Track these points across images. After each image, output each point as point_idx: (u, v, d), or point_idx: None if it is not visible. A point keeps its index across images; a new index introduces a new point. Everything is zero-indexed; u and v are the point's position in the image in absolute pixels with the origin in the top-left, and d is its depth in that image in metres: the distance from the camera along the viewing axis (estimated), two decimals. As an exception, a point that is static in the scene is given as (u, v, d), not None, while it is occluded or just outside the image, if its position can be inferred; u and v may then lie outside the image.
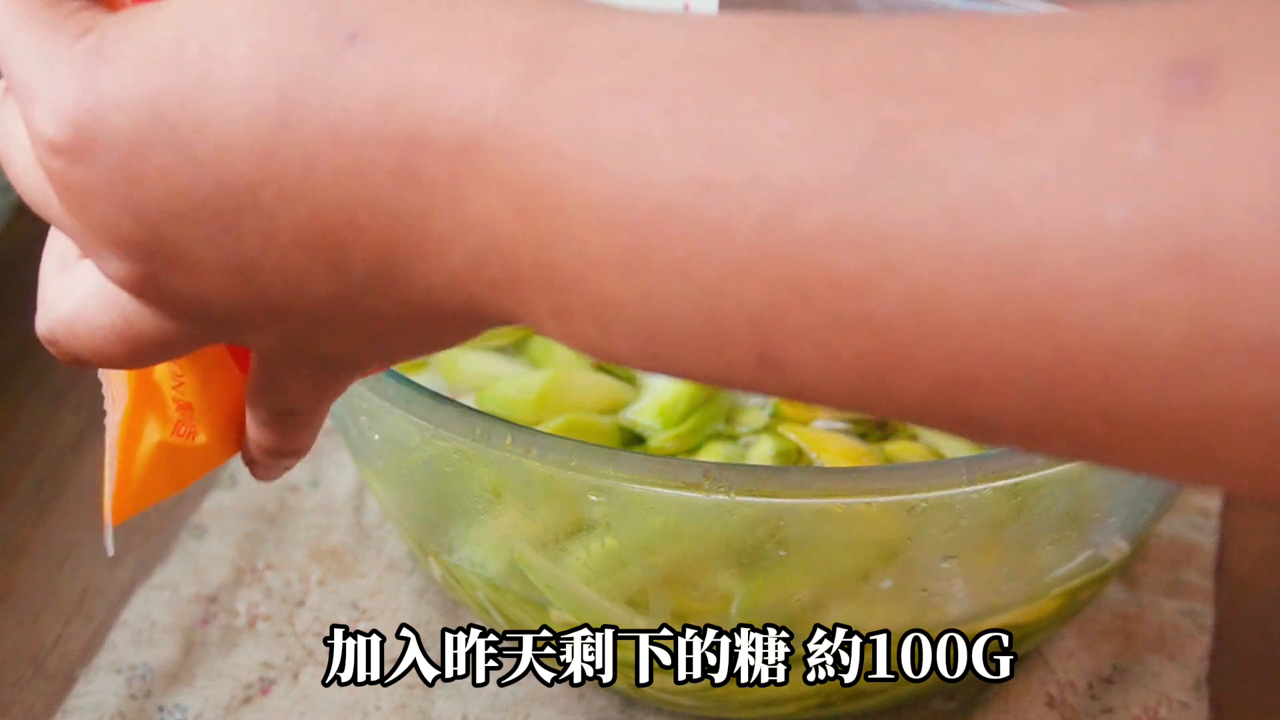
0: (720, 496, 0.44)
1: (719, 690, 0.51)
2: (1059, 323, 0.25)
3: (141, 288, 0.34)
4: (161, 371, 0.41)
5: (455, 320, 0.33)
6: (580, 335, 0.30)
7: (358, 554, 0.62)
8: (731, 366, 0.29)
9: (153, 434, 0.41)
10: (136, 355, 0.36)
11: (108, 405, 0.42)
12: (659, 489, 0.44)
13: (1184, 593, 0.60)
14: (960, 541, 0.47)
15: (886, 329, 0.26)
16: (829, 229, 0.26)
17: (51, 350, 0.38)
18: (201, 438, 0.40)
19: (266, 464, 0.41)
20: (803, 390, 0.28)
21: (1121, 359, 0.25)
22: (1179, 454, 0.25)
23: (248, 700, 0.56)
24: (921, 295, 0.26)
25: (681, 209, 0.27)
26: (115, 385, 0.41)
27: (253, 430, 0.40)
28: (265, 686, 0.56)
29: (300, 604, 0.60)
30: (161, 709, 0.55)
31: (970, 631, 0.50)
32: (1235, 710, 0.57)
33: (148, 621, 0.58)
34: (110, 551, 0.41)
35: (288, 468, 0.42)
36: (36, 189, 0.36)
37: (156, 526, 0.63)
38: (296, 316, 0.34)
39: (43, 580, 0.61)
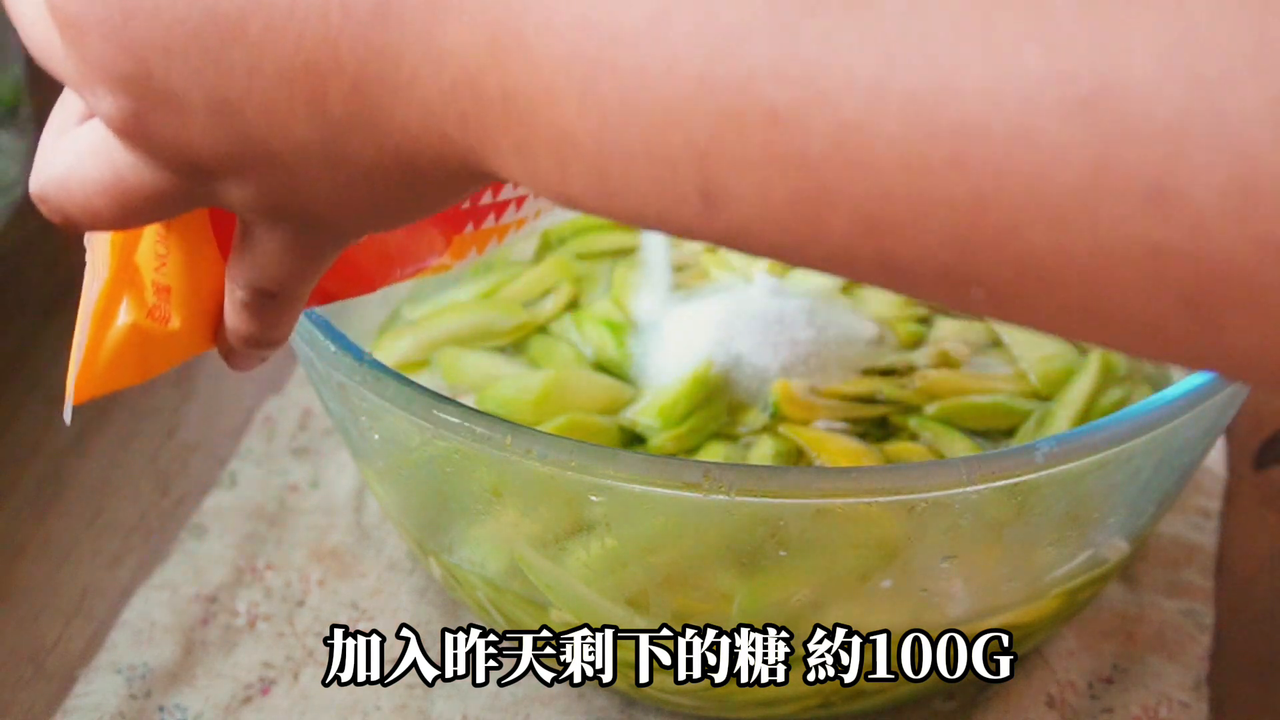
0: (720, 496, 0.44)
1: (719, 690, 0.51)
2: (973, 162, 0.26)
3: (131, 128, 0.35)
4: (145, 251, 0.40)
5: (430, 169, 0.34)
6: (542, 175, 0.32)
7: (358, 554, 0.62)
8: (677, 202, 0.30)
9: (126, 315, 0.40)
10: (125, 210, 0.37)
11: (88, 275, 0.41)
12: (659, 489, 0.44)
13: (1184, 593, 0.60)
14: (960, 541, 0.47)
15: (816, 163, 0.27)
16: (769, 63, 0.27)
17: (42, 208, 0.39)
18: (175, 323, 0.40)
19: (243, 354, 0.41)
20: (741, 232, 0.29)
21: (1027, 199, 0.26)
22: (1078, 304, 0.26)
23: (248, 700, 0.56)
24: (849, 130, 0.27)
25: (635, 40, 0.29)
26: (98, 256, 0.41)
27: (231, 316, 0.40)
28: (265, 686, 0.56)
29: (300, 604, 0.60)
30: (161, 709, 0.55)
31: (970, 631, 0.50)
32: (1235, 710, 0.57)
33: (148, 621, 0.58)
34: (68, 421, 0.40)
35: (263, 359, 0.42)
36: (42, 35, 0.37)
37: (157, 527, 0.63)
38: (277, 161, 0.34)
39: (43, 580, 0.61)
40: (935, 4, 0.26)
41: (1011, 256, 0.26)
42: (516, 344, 0.62)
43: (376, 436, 0.51)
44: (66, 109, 0.39)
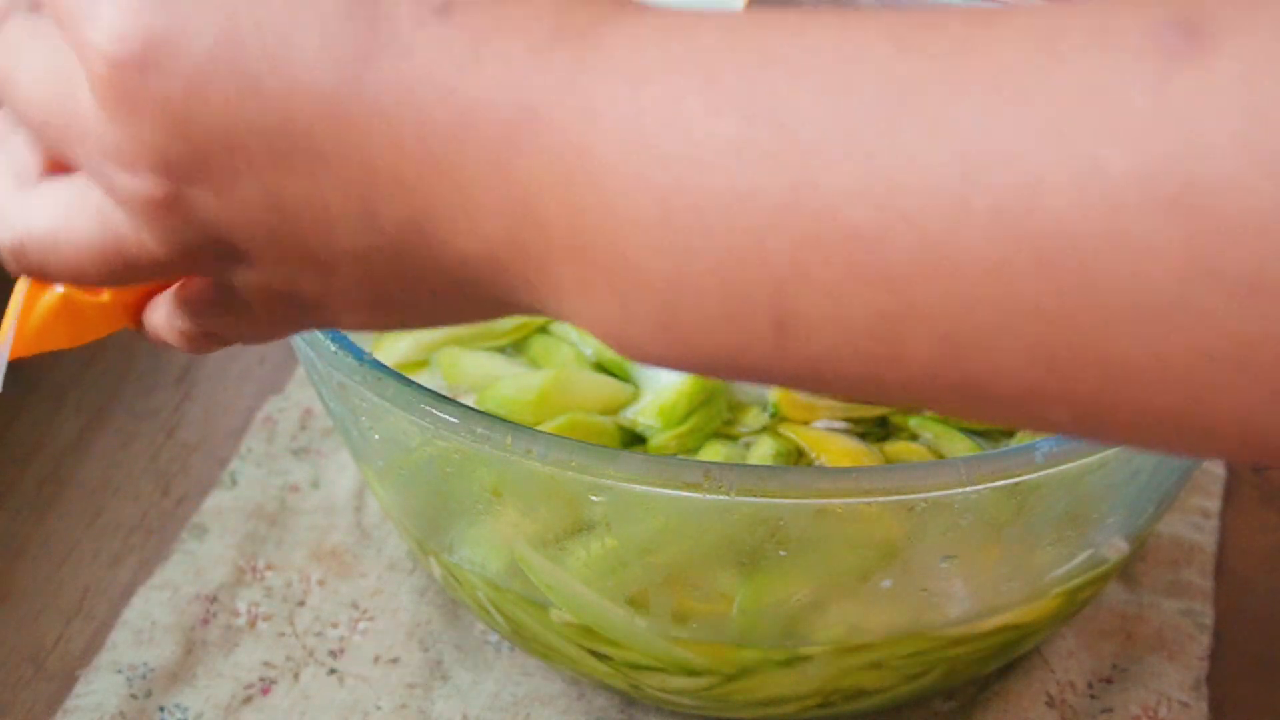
0: (720, 496, 0.44)
1: (719, 690, 0.51)
2: (1060, 267, 0.26)
3: (158, 209, 0.34)
4: None
5: (476, 294, 0.33)
6: (602, 315, 0.31)
7: (358, 554, 0.62)
8: (749, 338, 0.30)
9: (60, 287, 0.40)
10: (117, 275, 0.36)
11: None
12: (659, 489, 0.44)
13: (1184, 593, 0.60)
14: (960, 541, 0.47)
15: (899, 281, 0.28)
16: (850, 184, 0.28)
17: (10, 262, 0.37)
18: (106, 296, 0.40)
19: (163, 344, 0.40)
20: (816, 364, 0.29)
21: (1118, 299, 0.26)
22: (1171, 411, 0.26)
23: (248, 700, 0.56)
24: (933, 245, 0.27)
25: (715, 169, 0.29)
26: None
27: (166, 325, 0.39)
28: (266, 686, 0.56)
29: (301, 604, 0.60)
30: (162, 709, 0.55)
31: (970, 631, 0.50)
32: (1235, 710, 0.57)
33: (148, 621, 0.58)
34: None
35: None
36: (47, 98, 0.35)
37: (157, 526, 0.63)
38: (313, 260, 0.34)
39: (43, 580, 0.61)
40: (1010, 110, 0.26)
41: (1101, 365, 0.26)
42: (516, 344, 0.62)
43: (377, 436, 0.51)
44: (14, 155, 0.37)
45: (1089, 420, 0.28)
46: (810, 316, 0.29)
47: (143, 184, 0.34)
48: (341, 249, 0.33)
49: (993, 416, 0.29)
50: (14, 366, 0.40)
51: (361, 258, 0.34)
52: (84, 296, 0.40)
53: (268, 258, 0.34)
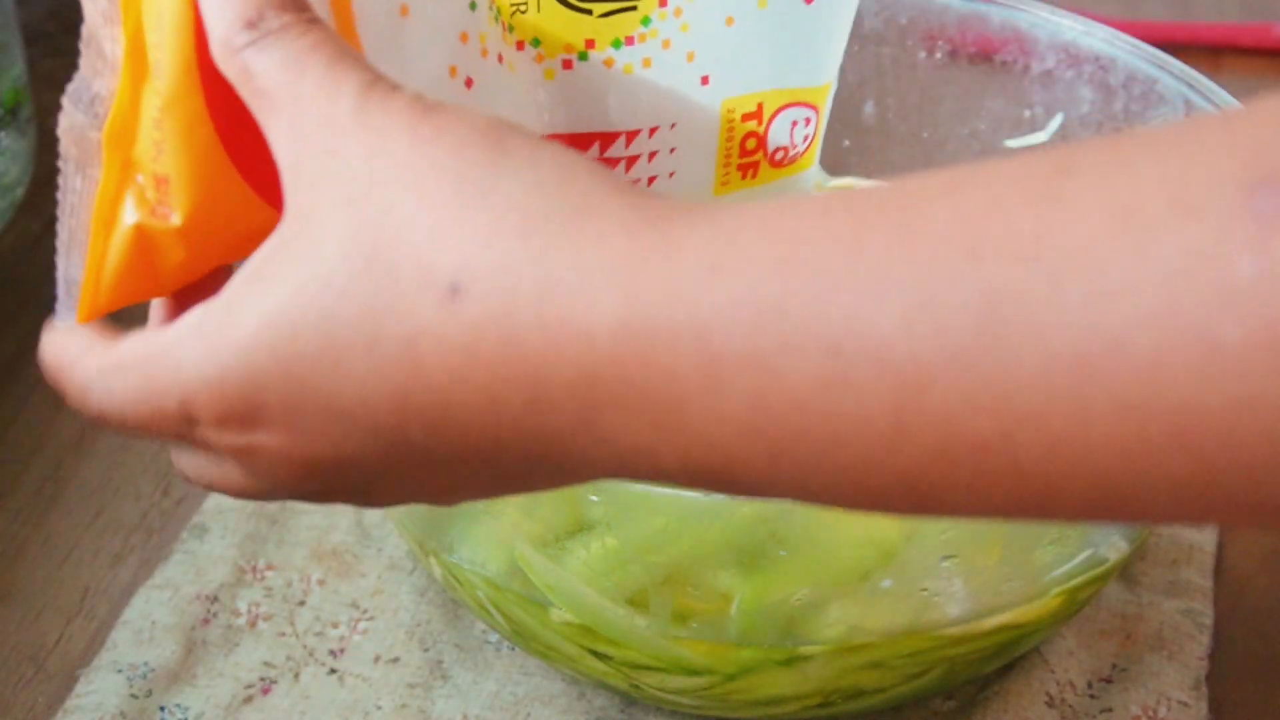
0: (720, 496, 0.44)
1: (719, 690, 0.51)
2: (1195, 440, 0.26)
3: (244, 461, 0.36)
4: (143, 140, 0.37)
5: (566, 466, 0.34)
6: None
7: (358, 554, 0.62)
8: (892, 509, 0.31)
9: (132, 214, 0.37)
10: (147, 436, 0.38)
11: (69, 176, 0.38)
12: (659, 489, 0.44)
13: (1184, 592, 0.60)
14: (960, 541, 0.47)
15: (1033, 473, 0.28)
16: (960, 399, 0.28)
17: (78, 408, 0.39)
18: (177, 219, 0.37)
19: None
20: (964, 517, 0.30)
21: (1260, 460, 0.26)
22: None
23: (249, 700, 0.56)
24: (1058, 440, 0.27)
25: (813, 406, 0.29)
26: (88, 151, 0.38)
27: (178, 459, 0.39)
28: (266, 686, 0.57)
29: (301, 604, 0.60)
30: (162, 708, 0.55)
31: (970, 631, 0.50)
32: (1235, 710, 0.57)
33: (149, 621, 0.58)
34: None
35: None
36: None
37: (158, 526, 0.63)
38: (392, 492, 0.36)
39: (43, 580, 0.61)
40: (1112, 300, 0.26)
41: (1252, 503, 0.27)
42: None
43: (377, 436, 0.51)
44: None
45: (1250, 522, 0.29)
46: (946, 501, 0.29)
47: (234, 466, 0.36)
48: (472, 487, 0.35)
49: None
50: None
51: (492, 486, 0.35)
52: (155, 223, 0.37)
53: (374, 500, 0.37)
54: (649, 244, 0.31)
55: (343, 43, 0.35)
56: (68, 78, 0.39)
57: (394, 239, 0.32)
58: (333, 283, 0.33)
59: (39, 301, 0.75)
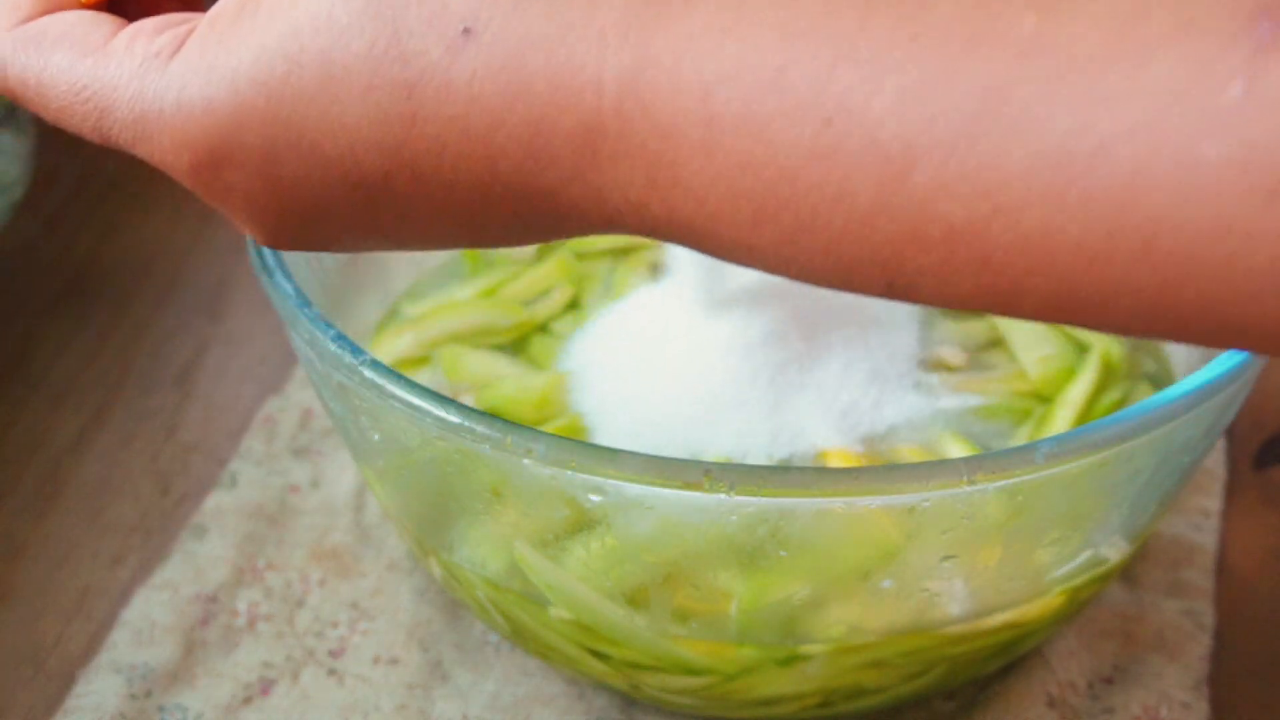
0: (720, 496, 0.44)
1: (719, 689, 0.51)
2: (1162, 253, 0.27)
3: (209, 183, 0.35)
4: None
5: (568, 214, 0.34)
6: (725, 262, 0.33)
7: (358, 554, 0.62)
8: (864, 289, 0.31)
9: None
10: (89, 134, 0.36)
11: None
12: (659, 488, 0.44)
13: (1184, 593, 0.60)
14: (960, 541, 0.47)
15: (1000, 266, 0.29)
16: (941, 184, 0.28)
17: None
18: None
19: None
20: (931, 304, 0.31)
21: (1219, 282, 0.27)
22: (1269, 349, 0.28)
23: (248, 700, 0.56)
24: (1030, 236, 0.28)
25: (802, 176, 0.29)
26: None
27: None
28: (265, 686, 0.56)
29: (300, 604, 0.60)
30: (161, 709, 0.55)
31: (971, 630, 0.50)
32: (1236, 710, 0.57)
33: (148, 621, 0.58)
34: None
35: None
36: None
37: (157, 527, 0.63)
38: (381, 235, 0.35)
39: (43, 580, 0.61)
40: (1101, 104, 0.27)
41: (1201, 329, 0.28)
42: (515, 342, 0.62)
43: (376, 436, 0.51)
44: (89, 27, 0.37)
45: (1194, 340, 0.29)
46: (918, 286, 0.30)
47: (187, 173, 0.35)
48: (452, 242, 0.35)
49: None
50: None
51: (456, 239, 0.35)
52: None
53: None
54: (664, 1, 0.31)
55: None
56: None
57: None
58: (334, 20, 0.32)
59: (38, 300, 0.75)
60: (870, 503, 0.45)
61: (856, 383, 0.55)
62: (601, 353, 0.58)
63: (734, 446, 0.55)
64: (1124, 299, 0.28)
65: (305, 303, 0.50)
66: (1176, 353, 0.60)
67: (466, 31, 0.31)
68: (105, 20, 0.37)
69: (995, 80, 0.28)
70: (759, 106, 0.30)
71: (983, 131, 0.28)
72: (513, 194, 0.33)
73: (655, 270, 0.63)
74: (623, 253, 0.65)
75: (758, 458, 0.55)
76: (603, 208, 0.32)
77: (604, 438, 0.55)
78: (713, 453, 0.54)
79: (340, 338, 0.48)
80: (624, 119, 0.31)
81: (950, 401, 0.57)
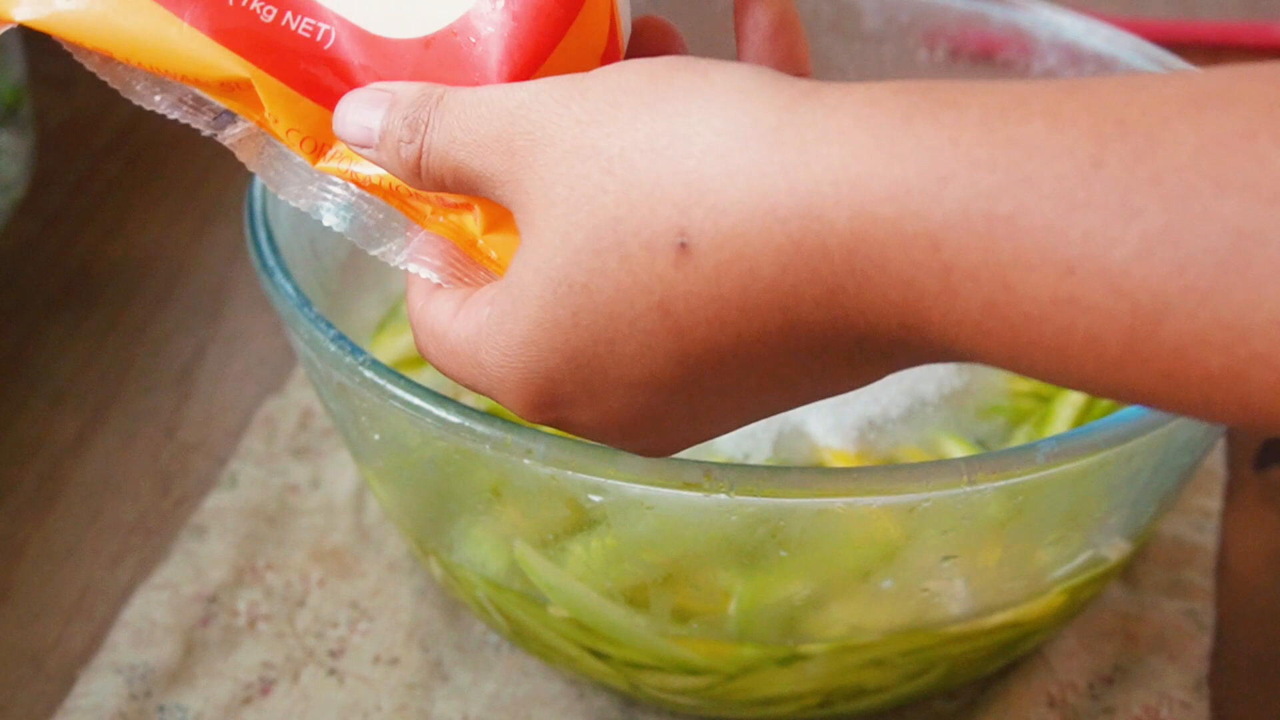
0: (720, 496, 0.44)
1: (719, 689, 0.51)
2: None
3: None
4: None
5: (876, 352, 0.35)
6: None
7: (358, 554, 0.62)
8: (1119, 403, 0.33)
9: None
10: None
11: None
12: (658, 489, 0.44)
13: (1185, 593, 0.60)
14: (961, 541, 0.47)
15: (1259, 407, 0.28)
16: (1194, 333, 0.28)
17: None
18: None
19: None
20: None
21: None
22: None
23: (248, 700, 0.56)
24: None
25: (1046, 321, 0.29)
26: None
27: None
28: (265, 686, 0.56)
29: (300, 604, 0.60)
30: (161, 709, 0.55)
31: (971, 630, 0.50)
32: (1236, 710, 0.57)
33: (148, 621, 0.58)
34: None
35: None
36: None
37: (157, 527, 0.63)
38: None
39: (43, 580, 0.61)
40: None
41: None
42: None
43: (376, 436, 0.51)
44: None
45: None
46: (1174, 411, 0.30)
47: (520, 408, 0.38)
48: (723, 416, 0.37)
49: None
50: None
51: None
52: None
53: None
54: (866, 149, 0.31)
55: None
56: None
57: (610, 220, 0.34)
58: (574, 281, 0.35)
59: (38, 300, 0.75)
60: (870, 503, 0.45)
61: None
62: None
63: (734, 447, 0.55)
64: None
65: (305, 303, 0.50)
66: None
67: (682, 246, 0.33)
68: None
69: (1246, 224, 0.27)
70: (992, 254, 0.30)
71: (1236, 278, 0.27)
72: (780, 363, 0.34)
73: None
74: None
75: (758, 458, 0.55)
76: (869, 356, 0.34)
77: None
78: (713, 453, 0.54)
79: (340, 338, 0.48)
80: (858, 277, 0.32)
81: (950, 401, 0.57)
